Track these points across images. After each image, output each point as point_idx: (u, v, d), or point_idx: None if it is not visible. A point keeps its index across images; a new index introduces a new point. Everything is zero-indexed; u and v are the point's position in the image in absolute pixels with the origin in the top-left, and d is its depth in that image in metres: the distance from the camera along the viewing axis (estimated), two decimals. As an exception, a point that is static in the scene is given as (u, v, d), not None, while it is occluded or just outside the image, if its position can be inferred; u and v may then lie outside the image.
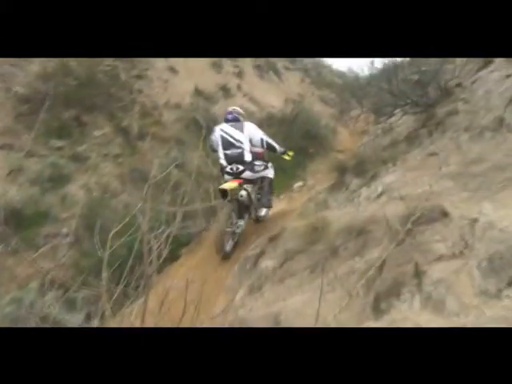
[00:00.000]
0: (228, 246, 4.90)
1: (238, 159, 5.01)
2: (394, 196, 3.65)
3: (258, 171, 5.15)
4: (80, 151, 7.87)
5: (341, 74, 21.77)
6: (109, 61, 9.90)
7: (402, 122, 6.83)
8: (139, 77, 10.63)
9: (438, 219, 2.79)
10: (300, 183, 7.03)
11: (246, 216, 5.31)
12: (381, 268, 2.63)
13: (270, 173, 5.39)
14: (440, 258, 2.47)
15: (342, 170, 5.89)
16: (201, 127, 7.61)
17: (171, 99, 10.70)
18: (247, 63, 14.56)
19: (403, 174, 4.22)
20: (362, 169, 5.28)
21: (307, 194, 7.19)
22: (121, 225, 2.26)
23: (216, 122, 8.71)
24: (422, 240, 2.67)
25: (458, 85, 5.60)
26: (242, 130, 5.11)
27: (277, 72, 16.02)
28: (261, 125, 6.28)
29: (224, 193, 4.72)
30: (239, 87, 13.16)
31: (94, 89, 8.80)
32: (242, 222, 5.21)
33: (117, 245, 2.23)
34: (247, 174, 5.03)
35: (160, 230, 2.31)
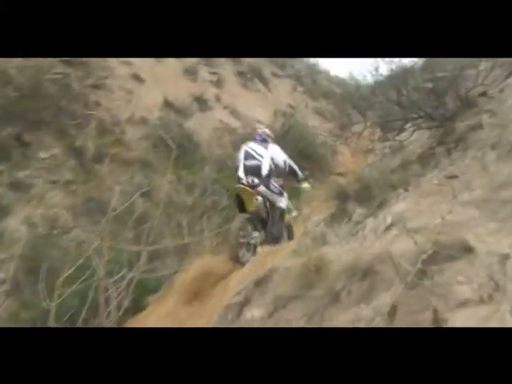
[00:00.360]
0: (244, 257, 5.68)
1: (255, 171, 6.10)
2: (406, 228, 3.55)
3: (272, 191, 6.15)
4: (21, 177, 7.76)
5: (340, 82, 22.02)
6: (58, 67, 9.85)
7: (415, 138, 6.89)
8: (96, 86, 10.58)
9: (461, 256, 2.78)
10: (293, 213, 7.00)
11: (262, 232, 6.11)
12: (392, 316, 2.60)
13: (282, 202, 6.35)
14: (464, 304, 2.42)
15: (342, 197, 5.98)
16: (171, 147, 7.66)
17: (136, 113, 10.71)
18: (227, 69, 14.73)
19: (417, 202, 4.22)
20: (367, 195, 5.36)
21: (301, 227, 7.06)
22: (72, 268, 2.21)
23: (190, 140, 8.69)
24: (442, 282, 2.65)
25: (483, 94, 5.63)
26: (266, 148, 6.34)
27: (263, 79, 16.13)
28: (245, 142, 6.56)
29: (241, 201, 5.98)
30: (218, 98, 13.24)
31: (39, 101, 8.67)
32: (256, 234, 6.03)
33: (67, 293, 2.18)
34: (262, 189, 6.03)
35: (121, 275, 2.27)
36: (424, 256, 2.75)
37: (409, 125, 6.70)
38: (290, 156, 6.61)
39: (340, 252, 3.96)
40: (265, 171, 6.11)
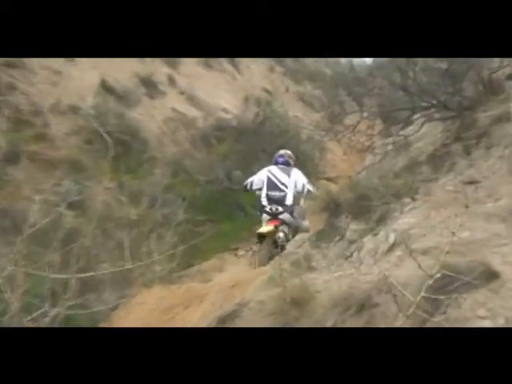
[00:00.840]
0: None
1: (280, 201, 7.38)
2: (412, 248, 3.56)
3: (295, 217, 7.38)
4: None
5: (330, 61, 21.52)
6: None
7: (424, 133, 6.90)
8: (11, 65, 10.41)
9: (482, 283, 2.77)
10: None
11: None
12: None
13: (306, 223, 7.50)
14: (487, 346, 2.52)
15: (332, 209, 5.98)
16: (108, 144, 7.54)
17: (63, 99, 10.61)
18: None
19: (427, 214, 4.27)
20: (364, 207, 5.36)
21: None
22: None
23: (135, 135, 8.60)
24: (459, 315, 2.66)
25: (510, 76, 5.74)
26: (289, 175, 7.60)
27: (232, 58, 15.66)
28: (207, 137, 6.39)
29: (262, 237, 7.19)
30: (172, 81, 13.17)
31: None
32: (277, 250, 7.03)
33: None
34: (285, 216, 7.30)
35: (41, 311, 2.22)
36: (430, 281, 2.70)
37: (417, 116, 6.69)
38: (266, 155, 7.23)
39: (329, 279, 3.94)
40: (289, 201, 7.40)
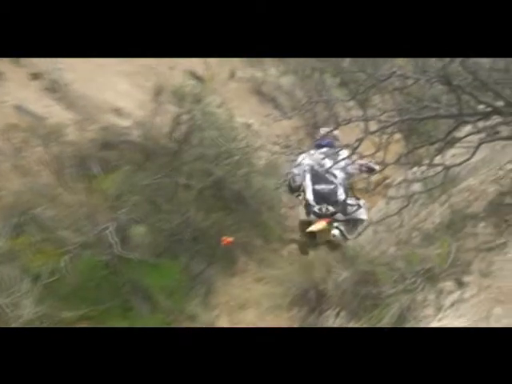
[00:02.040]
0: None
1: (330, 198, 7.11)
2: None
3: (349, 213, 7.11)
4: None
5: None
6: None
7: (481, 161, 6.35)
8: None
9: None
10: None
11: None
12: None
13: (362, 214, 7.22)
14: None
15: (313, 302, 6.43)
16: None
17: None
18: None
19: (486, 313, 4.18)
20: (366, 298, 5.55)
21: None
22: None
23: None
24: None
25: None
26: (335, 159, 6.73)
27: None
28: (83, 162, 7.92)
29: (313, 236, 7.08)
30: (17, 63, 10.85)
31: None
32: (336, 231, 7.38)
33: None
34: (339, 217, 7.05)
35: None
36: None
37: (467, 129, 5.78)
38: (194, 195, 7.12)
39: None
40: (341, 196, 7.01)
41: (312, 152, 7.31)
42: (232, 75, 13.80)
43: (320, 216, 7.05)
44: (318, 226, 6.87)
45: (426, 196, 6.68)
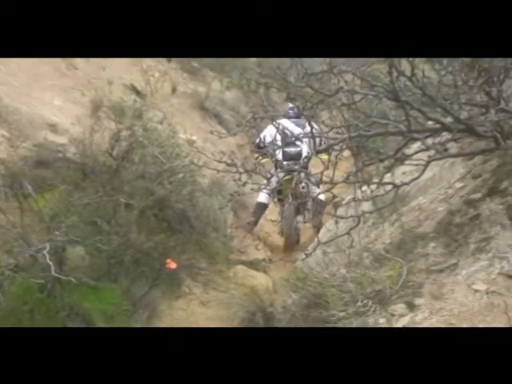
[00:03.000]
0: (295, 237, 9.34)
1: (296, 157, 8.84)
2: None
3: (310, 181, 7.63)
4: None
5: None
6: None
7: (431, 179, 6.69)
8: None
9: None
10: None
11: (305, 213, 9.17)
12: None
13: (319, 195, 8.22)
14: None
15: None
16: None
17: None
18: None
19: None
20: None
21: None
22: None
23: None
24: None
25: None
26: (303, 128, 8.41)
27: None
28: (14, 180, 7.55)
29: (281, 196, 8.55)
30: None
31: None
32: (300, 218, 9.24)
33: None
34: (301, 176, 7.81)
35: None
36: None
37: (415, 146, 6.09)
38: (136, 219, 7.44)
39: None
40: (304, 154, 8.67)
41: (282, 121, 8.16)
42: (174, 90, 13.58)
43: (286, 171, 7.67)
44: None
45: (376, 215, 6.75)
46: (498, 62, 5.54)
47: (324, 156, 7.17)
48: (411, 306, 4.84)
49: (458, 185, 6.26)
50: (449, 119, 5.52)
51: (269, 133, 8.19)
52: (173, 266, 7.53)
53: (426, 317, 4.67)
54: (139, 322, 7.54)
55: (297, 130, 8.29)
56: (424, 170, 5.70)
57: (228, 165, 6.71)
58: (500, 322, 3.88)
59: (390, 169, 6.20)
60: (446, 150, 5.80)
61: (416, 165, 6.06)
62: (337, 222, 6.76)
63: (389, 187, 5.84)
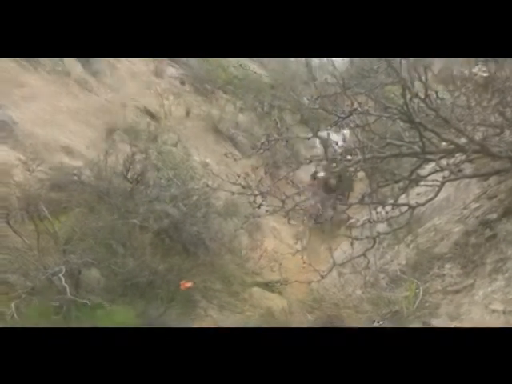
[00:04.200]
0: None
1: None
2: None
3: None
4: None
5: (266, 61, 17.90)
6: None
7: (445, 200, 6.68)
8: None
9: None
10: None
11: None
12: None
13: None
14: None
15: None
16: None
17: None
18: None
19: None
20: None
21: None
22: None
23: None
24: None
25: None
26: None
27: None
28: (31, 203, 7.29)
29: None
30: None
31: None
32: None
33: None
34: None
35: None
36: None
37: (430, 167, 6.18)
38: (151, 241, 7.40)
39: None
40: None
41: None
42: (187, 112, 13.52)
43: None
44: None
45: (391, 237, 6.74)
46: (512, 83, 5.35)
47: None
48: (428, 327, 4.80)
49: (474, 205, 6.21)
50: (463, 140, 5.45)
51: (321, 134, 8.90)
52: (188, 284, 7.38)
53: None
54: (155, 343, 7.22)
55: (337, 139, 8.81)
56: (439, 191, 5.63)
57: (243, 187, 6.61)
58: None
59: (404, 190, 6.09)
60: (460, 170, 5.73)
61: (431, 186, 5.95)
62: (352, 243, 6.55)
63: (404, 208, 5.82)
